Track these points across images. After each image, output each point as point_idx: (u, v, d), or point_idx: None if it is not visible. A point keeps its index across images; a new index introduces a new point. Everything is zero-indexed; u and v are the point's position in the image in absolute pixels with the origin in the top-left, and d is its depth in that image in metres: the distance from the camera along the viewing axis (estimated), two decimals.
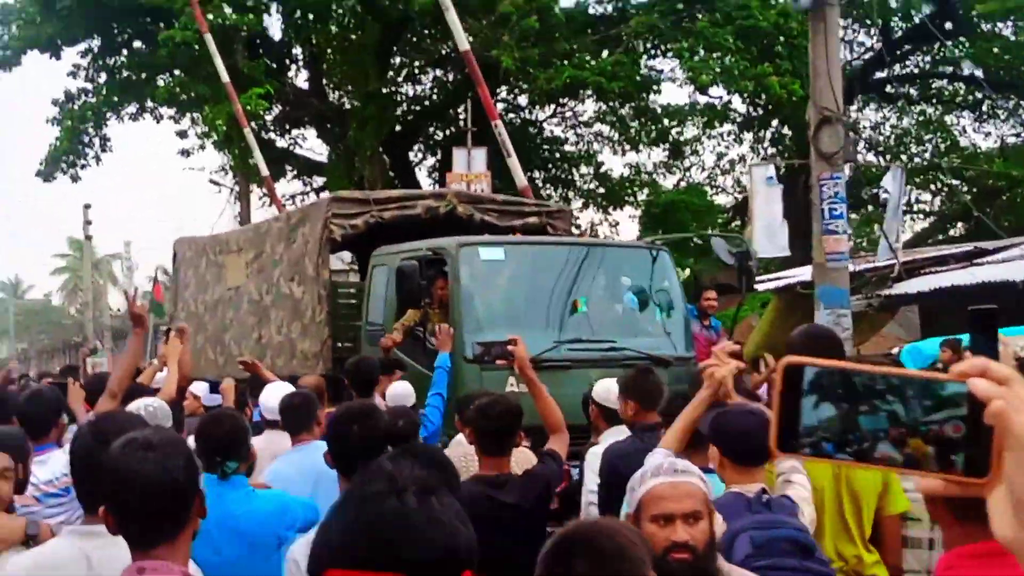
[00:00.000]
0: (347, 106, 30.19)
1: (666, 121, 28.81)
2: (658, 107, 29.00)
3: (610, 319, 10.07)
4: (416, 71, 30.86)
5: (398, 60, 30.40)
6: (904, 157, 32.77)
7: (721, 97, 28.45)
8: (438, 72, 31.37)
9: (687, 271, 11.67)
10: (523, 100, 29.86)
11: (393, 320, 10.05)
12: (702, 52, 25.83)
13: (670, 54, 28.51)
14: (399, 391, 8.19)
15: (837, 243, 14.75)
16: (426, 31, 29.11)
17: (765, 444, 3.87)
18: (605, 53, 27.35)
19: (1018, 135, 34.36)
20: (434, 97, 31.27)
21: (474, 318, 9.46)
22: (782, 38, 26.25)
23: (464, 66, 28.48)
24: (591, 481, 6.57)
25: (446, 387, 8.13)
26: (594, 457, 6.40)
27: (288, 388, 7.18)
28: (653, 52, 28.73)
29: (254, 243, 13.13)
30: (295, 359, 11.48)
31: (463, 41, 17.76)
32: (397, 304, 9.97)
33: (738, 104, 29.70)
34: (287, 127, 32.00)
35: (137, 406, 5.69)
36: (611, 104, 27.63)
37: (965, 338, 12.48)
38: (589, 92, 27.30)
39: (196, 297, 14.75)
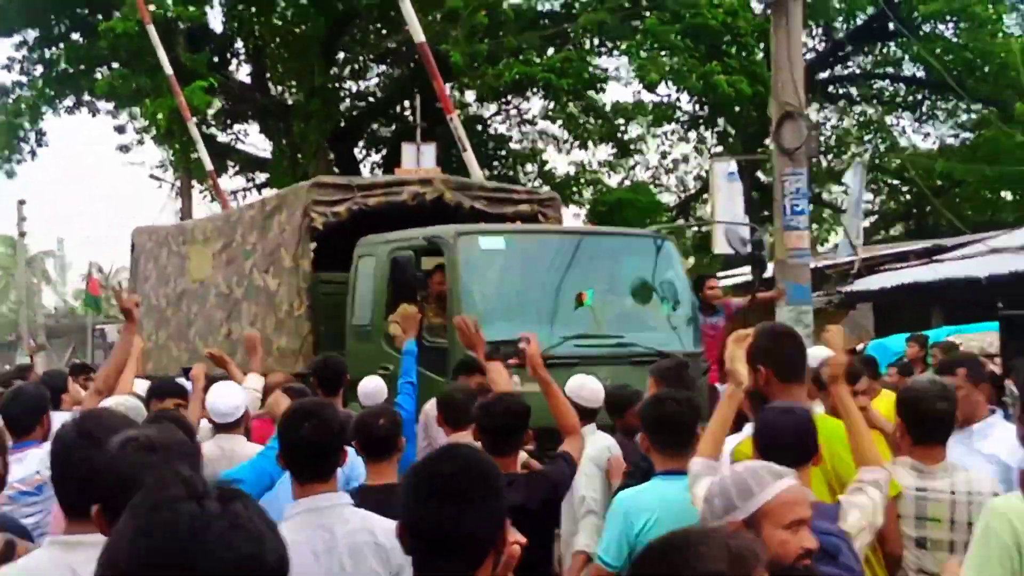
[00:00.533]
0: (291, 101, 29.71)
1: (615, 119, 28.71)
2: (607, 104, 28.92)
3: (616, 313, 9.62)
4: (361, 66, 30.44)
5: (342, 55, 30.01)
6: (845, 157, 33.04)
7: (669, 95, 28.46)
8: (383, 67, 31.01)
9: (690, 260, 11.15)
10: (469, 96, 29.57)
11: (383, 315, 9.57)
12: (650, 49, 25.82)
13: (617, 52, 28.52)
14: (370, 388, 7.89)
15: (799, 239, 14.66)
16: (373, 25, 28.75)
17: (804, 444, 3.93)
18: (552, 51, 27.27)
19: (956, 136, 34.76)
20: (379, 93, 30.88)
21: (474, 312, 8.53)
22: (730, 36, 26.33)
23: (411, 60, 28.38)
24: (585, 486, 6.39)
25: (415, 373, 7.73)
26: (588, 461, 6.25)
27: (234, 388, 6.80)
28: (600, 49, 28.66)
29: (223, 232, 12.50)
30: (270, 357, 10.75)
31: (418, 33, 17.39)
32: (389, 297, 9.50)
33: (686, 102, 29.72)
34: (229, 122, 31.47)
35: (107, 404, 5.45)
36: (560, 101, 27.42)
37: (932, 333, 12.46)
38: (537, 89, 27.09)
39: (157, 290, 14.05)
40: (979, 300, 14.05)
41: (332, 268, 10.84)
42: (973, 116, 33.87)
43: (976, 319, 12.88)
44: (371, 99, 30.93)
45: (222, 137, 31.24)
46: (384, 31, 29.30)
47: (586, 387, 6.79)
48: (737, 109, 27.31)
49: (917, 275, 15.30)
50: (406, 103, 30.60)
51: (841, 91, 33.74)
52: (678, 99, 29.22)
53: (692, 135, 32.99)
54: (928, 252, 17.17)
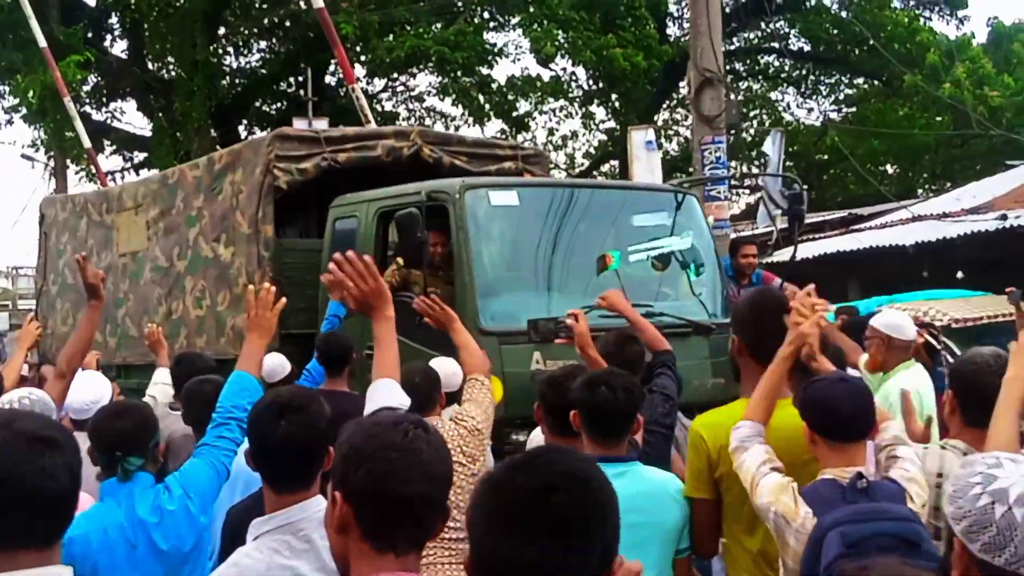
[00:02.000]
0: (171, 77, 28.48)
1: (510, 94, 28.21)
2: (502, 80, 28.44)
3: (641, 277, 8.48)
4: (244, 40, 29.35)
5: (223, 30, 28.90)
6: (732, 133, 33.11)
7: (565, 69, 28.09)
8: (265, 42, 29.94)
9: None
10: (359, 71, 28.74)
11: None
12: (543, 22, 25.38)
13: (509, 26, 28.04)
14: (269, 365, 7.15)
15: (720, 210, 14.46)
16: None
17: (863, 415, 3.39)
18: (439, 25, 26.64)
19: (838, 110, 35.17)
20: (263, 68, 29.81)
21: (486, 278, 7.73)
22: (624, 9, 26.04)
23: (297, 35, 27.46)
24: None
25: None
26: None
27: (96, 379, 6.22)
28: (491, 23, 28.11)
29: (158, 198, 11.14)
30: (223, 337, 9.73)
31: None
32: (378, 263, 8.64)
33: (582, 77, 29.41)
34: (104, 99, 30.06)
35: (10, 398, 5.01)
36: (454, 76, 26.80)
37: (862, 304, 12.25)
38: (430, 63, 26.42)
39: (75, 266, 12.60)
40: (902, 269, 13.98)
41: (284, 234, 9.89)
42: (853, 91, 34.39)
43: (896, 289, 12.74)
44: (255, 75, 29.81)
45: (97, 115, 29.83)
46: (266, 4, 28.32)
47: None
48: (631, 83, 27.04)
49: (838, 244, 15.17)
50: (291, 79, 29.77)
51: (727, 67, 33.76)
52: (574, 73, 28.87)
53: (579, 111, 32.77)
54: (844, 222, 17.13)
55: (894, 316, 7.01)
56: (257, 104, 30.35)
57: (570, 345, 5.89)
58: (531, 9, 25.72)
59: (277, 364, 7.27)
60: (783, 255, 15.33)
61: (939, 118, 29.57)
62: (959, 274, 13.55)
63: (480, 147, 10.61)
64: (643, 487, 4.18)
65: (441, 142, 10.28)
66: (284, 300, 4.73)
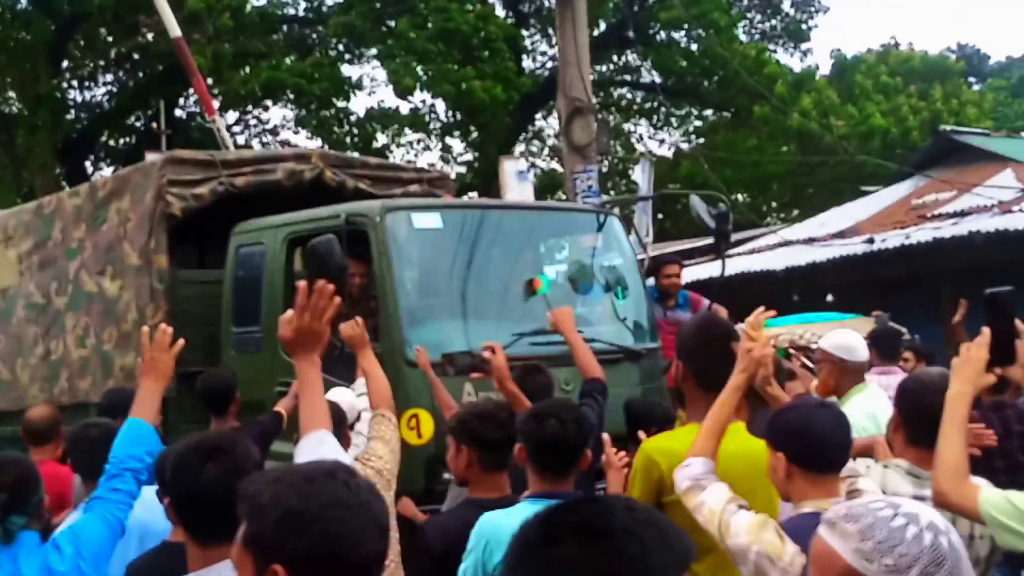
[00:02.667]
0: (13, 111, 27.38)
1: (368, 127, 27.93)
2: (360, 112, 28.19)
3: (568, 302, 7.83)
4: (89, 73, 28.41)
5: (66, 63, 27.96)
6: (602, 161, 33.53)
7: (424, 101, 27.97)
8: (112, 75, 29.06)
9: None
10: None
11: (273, 317, 7.59)
12: (402, 55, 25.26)
13: (367, 58, 27.84)
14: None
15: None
16: (103, 29, 26.86)
17: (845, 444, 3.25)
18: (293, 58, 26.30)
19: (688, 141, 35.91)
20: (108, 103, 28.90)
21: (412, 306, 7.22)
22: (481, 42, 26.10)
23: (146, 68, 26.76)
24: None
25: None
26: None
27: None
28: (348, 56, 27.87)
29: (32, 229, 10.22)
30: (112, 379, 8.87)
31: (174, 28, 16.16)
32: (286, 295, 7.70)
33: (441, 109, 29.33)
34: None
35: None
36: (310, 108, 26.43)
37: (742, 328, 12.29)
38: (287, 95, 26.02)
39: None
40: (772, 293, 14.16)
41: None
42: (701, 122, 35.21)
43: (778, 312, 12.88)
44: (101, 109, 28.88)
45: None
46: (112, 36, 27.50)
47: None
48: (490, 116, 27.10)
49: (709, 271, 15.31)
50: (140, 113, 28.95)
51: None
52: (433, 105, 28.78)
53: (436, 144, 32.74)
54: (712, 248, 17.27)
55: (844, 337, 6.89)
56: (104, 139, 29.41)
57: (486, 379, 5.67)
58: (388, 42, 25.57)
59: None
60: (652, 282, 15.44)
61: (785, 147, 30.41)
62: (829, 297, 13.80)
63: (384, 170, 10.08)
64: None
65: (344, 165, 9.71)
66: (182, 341, 4.35)
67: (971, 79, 38.82)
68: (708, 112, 34.68)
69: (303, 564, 2.02)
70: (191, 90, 27.16)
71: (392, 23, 25.87)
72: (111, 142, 29.81)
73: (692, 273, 15.66)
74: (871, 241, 14.32)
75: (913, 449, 4.02)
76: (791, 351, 10.37)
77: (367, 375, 5.70)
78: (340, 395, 6.26)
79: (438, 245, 7.70)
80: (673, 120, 35.56)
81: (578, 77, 14.73)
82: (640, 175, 15.81)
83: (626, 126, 35.54)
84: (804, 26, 31.55)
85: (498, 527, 3.92)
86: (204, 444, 3.25)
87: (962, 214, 14.56)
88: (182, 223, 8.73)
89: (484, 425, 4.41)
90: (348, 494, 2.07)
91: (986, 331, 3.64)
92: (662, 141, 36.45)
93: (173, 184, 8.61)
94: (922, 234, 13.93)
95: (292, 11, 27.54)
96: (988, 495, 3.60)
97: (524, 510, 3.96)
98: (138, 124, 29.14)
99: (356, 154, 29.52)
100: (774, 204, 34.64)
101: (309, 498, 2.05)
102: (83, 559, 3.76)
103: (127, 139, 29.24)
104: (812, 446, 3.46)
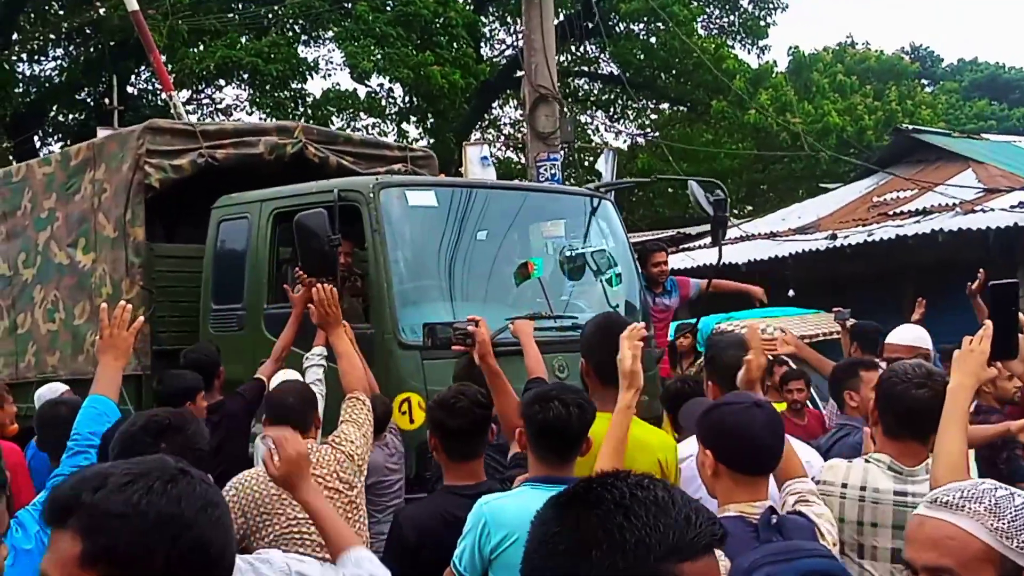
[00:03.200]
0: None
1: (324, 109, 27.54)
2: (316, 94, 27.78)
3: (561, 286, 7.93)
4: (39, 47, 27.81)
5: (16, 35, 27.34)
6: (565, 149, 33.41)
7: (382, 85, 27.65)
8: (63, 49, 28.47)
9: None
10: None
11: (265, 295, 7.61)
12: (360, 37, 24.95)
13: (324, 40, 27.50)
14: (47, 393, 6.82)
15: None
16: (52, 2, 26.31)
17: (778, 446, 3.06)
18: (248, 37, 25.91)
19: (644, 134, 35.87)
20: (61, 76, 28.32)
21: (405, 286, 6.95)
22: (441, 27, 25.86)
23: (97, 42, 26.21)
24: None
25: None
26: None
27: None
28: (308, 37, 27.49)
29: (1, 198, 9.85)
30: (82, 355, 8.58)
31: (132, 1, 15.77)
32: (271, 270, 7.65)
33: (398, 93, 29.03)
34: None
35: None
36: (264, 89, 26.03)
37: (702, 323, 12.20)
38: (242, 75, 25.61)
39: None
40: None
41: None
42: (656, 116, 35.20)
43: (731, 307, 12.86)
44: (51, 83, 28.29)
45: None
46: (63, 9, 26.95)
47: None
48: (448, 102, 26.86)
49: (671, 263, 15.28)
50: (91, 88, 28.40)
51: None
52: (391, 89, 28.47)
53: (392, 128, 32.41)
54: (674, 240, 17.27)
55: (914, 330, 6.73)
56: (53, 114, 28.84)
57: (467, 352, 5.50)
58: (346, 24, 25.25)
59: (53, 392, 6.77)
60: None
61: (743, 143, 30.45)
62: (790, 292, 13.78)
63: (368, 147, 9.79)
64: None
65: (327, 140, 9.41)
66: (141, 319, 4.34)
67: (924, 81, 39.22)
68: (664, 105, 34.66)
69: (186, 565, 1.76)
70: (143, 67, 26.79)
71: (350, 5, 25.56)
72: (60, 117, 29.24)
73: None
74: (833, 237, 14.32)
75: (893, 443, 3.94)
76: None
77: (339, 356, 5.52)
78: (287, 375, 6.14)
79: (432, 224, 7.43)
80: (629, 112, 35.46)
81: (544, 65, 14.61)
82: (603, 165, 15.71)
83: (582, 117, 35.43)
84: (762, 23, 31.59)
85: (497, 510, 3.85)
86: (156, 420, 3.16)
87: (924, 212, 14.60)
88: (158, 195, 8.41)
89: (444, 414, 4.34)
90: (212, 492, 1.84)
91: (988, 324, 3.56)
92: (618, 133, 36.39)
93: (152, 154, 8.30)
94: (884, 231, 13.94)
95: None
96: None
97: (524, 494, 3.85)
98: (88, 100, 28.58)
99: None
100: (730, 199, 34.74)
101: (181, 500, 1.78)
102: (47, 534, 3.59)
103: (77, 114, 28.68)
104: (742, 447, 3.31)
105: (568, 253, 8.10)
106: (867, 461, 4.03)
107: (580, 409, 3.94)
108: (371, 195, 7.07)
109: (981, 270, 7.59)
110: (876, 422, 4.06)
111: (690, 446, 4.11)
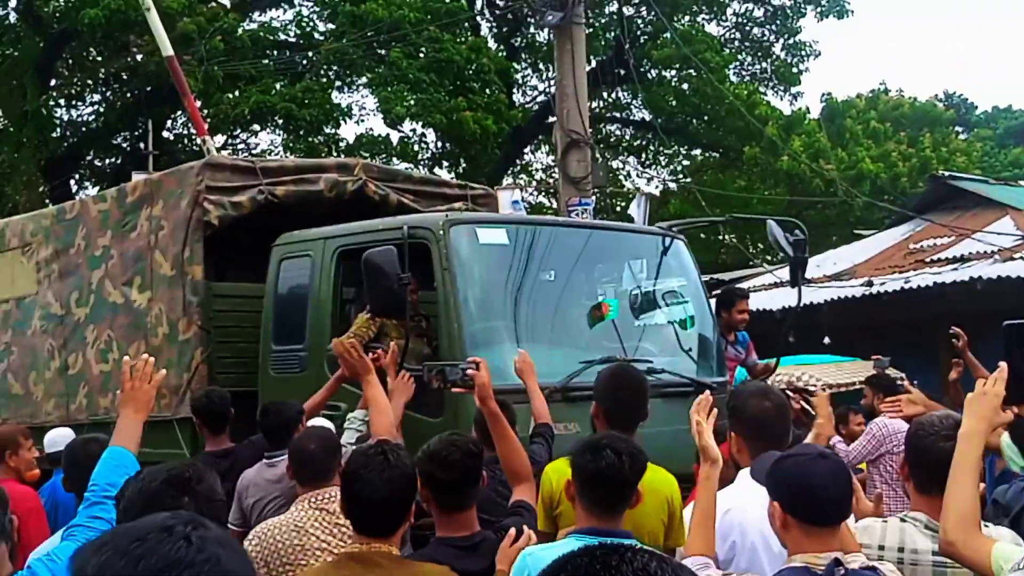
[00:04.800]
0: (0, 127, 27.08)
1: (358, 154, 27.68)
2: (349, 139, 27.94)
3: (635, 329, 7.57)
4: (77, 91, 28.12)
5: (55, 81, 27.67)
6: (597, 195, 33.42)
7: (415, 130, 27.79)
8: (100, 95, 28.77)
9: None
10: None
11: (328, 335, 7.25)
12: (394, 83, 25.09)
13: (358, 86, 27.66)
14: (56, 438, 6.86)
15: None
16: (92, 48, 26.60)
17: (845, 498, 3.34)
18: (283, 82, 26.11)
19: (676, 180, 35.84)
20: (96, 122, 28.60)
21: (475, 328, 6.67)
22: (474, 73, 25.97)
23: (134, 88, 26.48)
24: None
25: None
26: None
27: None
28: (339, 83, 27.67)
29: (52, 235, 9.67)
30: None
31: (167, 47, 15.87)
32: (336, 309, 7.43)
33: (431, 139, 29.15)
34: None
35: None
36: (298, 134, 26.20)
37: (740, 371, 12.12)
38: (276, 120, 25.78)
39: None
40: (769, 334, 13.96)
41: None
42: (689, 161, 35.16)
43: (764, 354, 12.69)
44: (88, 128, 28.58)
45: None
46: (101, 56, 27.25)
47: None
48: (479, 148, 26.95)
49: None
50: (127, 133, 28.67)
51: None
52: (424, 135, 28.60)
53: (424, 174, 32.47)
54: (708, 287, 17.10)
55: None
56: (89, 158, 29.12)
57: (468, 394, 5.43)
58: (380, 69, 25.41)
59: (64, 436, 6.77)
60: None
61: (775, 189, 30.36)
62: (826, 340, 13.61)
63: (427, 185, 9.60)
64: None
65: (387, 178, 9.21)
66: (163, 373, 4.32)
67: (958, 128, 39.03)
68: (696, 151, 34.63)
69: None
70: (179, 112, 27.01)
71: (384, 52, 25.73)
72: (96, 161, 29.51)
73: None
74: (870, 284, 14.16)
75: (926, 499, 3.80)
76: (789, 393, 10.10)
77: (370, 403, 5.48)
78: (318, 422, 6.09)
79: (502, 262, 7.14)
80: (661, 158, 35.46)
81: (576, 110, 14.64)
82: (635, 210, 15.62)
83: (614, 163, 35.43)
84: (795, 70, 31.55)
85: (542, 561, 3.73)
86: (176, 478, 3.19)
87: (962, 260, 14.42)
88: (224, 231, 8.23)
89: (433, 465, 4.22)
90: (189, 550, 1.71)
91: (1003, 366, 3.46)
92: (650, 179, 36.36)
93: (211, 191, 8.15)
94: (922, 278, 13.78)
95: (283, 36, 27.34)
96: (1003, 551, 3.36)
97: (570, 545, 3.75)
98: (124, 144, 28.84)
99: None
100: (760, 246, 34.58)
101: (139, 561, 1.68)
102: None
103: (113, 159, 28.94)
104: (809, 498, 3.34)
105: (639, 294, 7.87)
106: (903, 520, 3.90)
107: (632, 458, 3.87)
108: (441, 232, 6.78)
109: (954, 327, 7.48)
110: (907, 478, 3.94)
111: (726, 499, 4.04)
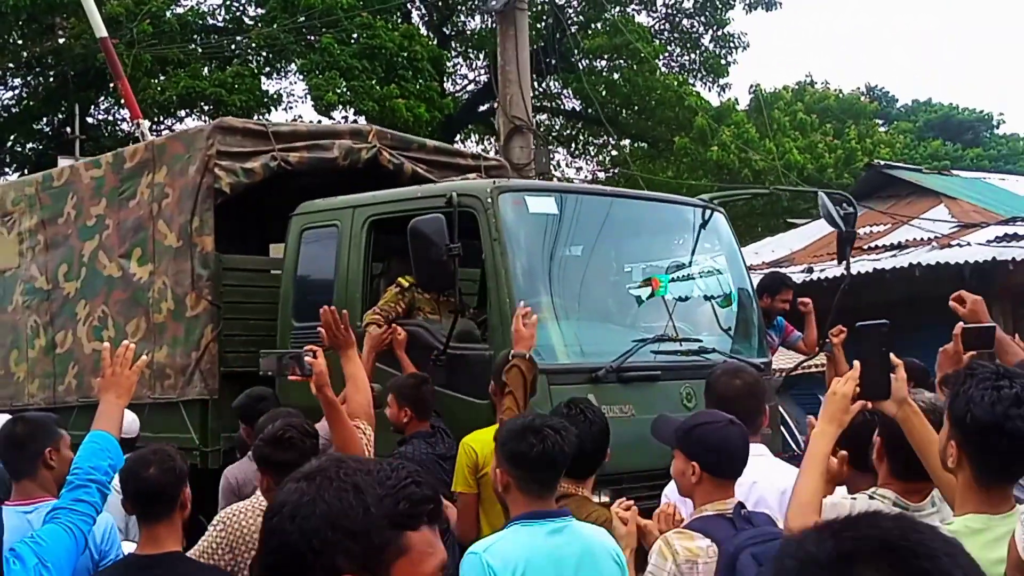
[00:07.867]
0: None
1: None
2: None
3: (682, 307, 7.18)
4: None
5: None
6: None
7: (346, 117, 27.52)
8: (21, 79, 28.06)
9: None
10: (124, 112, 27.37)
11: (349, 312, 6.31)
12: (325, 70, 24.83)
13: (288, 72, 27.35)
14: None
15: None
16: (14, 32, 25.90)
17: (745, 457, 3.95)
18: (212, 67, 25.71)
19: (606, 171, 35.97)
20: (18, 106, 27.88)
21: (527, 302, 5.99)
22: (406, 61, 25.80)
23: (61, 70, 25.85)
24: None
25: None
26: None
27: None
28: (268, 69, 27.30)
29: (37, 204, 9.11)
30: (139, 379, 7.93)
31: (100, 28, 15.55)
32: (367, 283, 7.03)
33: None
34: None
35: None
36: None
37: None
38: (205, 106, 25.35)
39: None
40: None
41: None
42: (616, 152, 35.30)
43: None
44: (9, 112, 27.85)
45: None
46: (22, 39, 26.56)
47: None
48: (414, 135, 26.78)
49: None
50: (49, 118, 28.02)
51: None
52: (355, 122, 28.31)
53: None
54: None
55: None
56: (10, 144, 28.39)
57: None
58: (311, 56, 25.12)
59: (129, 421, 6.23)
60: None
61: (704, 179, 30.58)
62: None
63: (441, 154, 9.16)
64: (585, 545, 3.87)
65: (400, 146, 8.76)
66: (144, 358, 4.43)
67: (879, 120, 39.66)
68: (626, 142, 34.77)
69: None
70: (104, 96, 26.45)
71: (314, 38, 25.43)
72: (16, 147, 28.78)
73: None
74: (810, 271, 14.31)
75: (897, 480, 3.84)
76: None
77: (348, 379, 5.34)
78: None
79: (552, 233, 6.73)
80: (591, 148, 35.57)
81: (519, 95, 14.58)
82: None
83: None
84: (723, 61, 31.81)
85: (497, 553, 3.71)
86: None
87: (900, 247, 14.62)
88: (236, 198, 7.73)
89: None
90: None
91: (857, 365, 3.57)
92: (579, 169, 36.47)
93: (222, 156, 7.69)
94: (860, 265, 13.93)
95: (212, 21, 26.91)
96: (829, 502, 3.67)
97: (518, 532, 3.82)
98: (47, 129, 28.17)
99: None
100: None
101: None
102: (46, 569, 3.61)
103: (36, 144, 28.24)
104: (725, 459, 3.94)
105: (685, 269, 7.55)
106: (871, 497, 3.93)
107: (566, 432, 3.92)
108: (489, 200, 6.42)
109: (839, 327, 7.47)
110: (881, 458, 3.93)
111: (752, 472, 4.21)
